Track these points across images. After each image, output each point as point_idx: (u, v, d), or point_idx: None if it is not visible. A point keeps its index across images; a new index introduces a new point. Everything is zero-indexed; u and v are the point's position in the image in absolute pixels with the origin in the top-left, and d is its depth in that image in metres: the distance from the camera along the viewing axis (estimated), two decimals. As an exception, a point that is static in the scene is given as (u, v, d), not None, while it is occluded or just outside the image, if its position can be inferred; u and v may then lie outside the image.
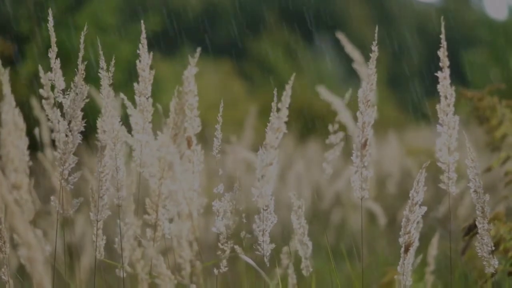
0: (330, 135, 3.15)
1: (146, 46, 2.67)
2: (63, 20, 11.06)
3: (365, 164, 2.60)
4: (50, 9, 2.67)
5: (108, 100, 2.60)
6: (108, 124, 2.60)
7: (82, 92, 2.58)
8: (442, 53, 2.62)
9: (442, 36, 2.61)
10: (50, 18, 2.63)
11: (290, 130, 2.68)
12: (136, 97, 2.67)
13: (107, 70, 2.60)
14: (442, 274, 3.98)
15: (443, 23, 2.64)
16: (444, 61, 2.63)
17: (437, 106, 2.62)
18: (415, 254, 2.82)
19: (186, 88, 2.80)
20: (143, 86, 2.67)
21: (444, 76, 2.62)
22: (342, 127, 4.37)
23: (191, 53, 2.87)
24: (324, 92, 4.29)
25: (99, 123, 2.62)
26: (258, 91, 16.60)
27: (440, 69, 2.62)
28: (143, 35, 2.66)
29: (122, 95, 2.78)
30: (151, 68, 2.69)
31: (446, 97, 2.63)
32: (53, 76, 2.61)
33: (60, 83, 2.61)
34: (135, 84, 2.66)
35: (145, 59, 2.68)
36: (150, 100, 2.67)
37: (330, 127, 3.16)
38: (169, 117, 2.82)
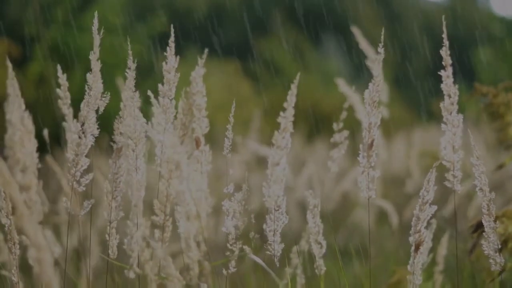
0: (334, 134, 3.16)
1: (173, 49, 2.68)
2: (69, 22, 11.08)
3: (372, 165, 2.61)
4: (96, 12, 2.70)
5: (133, 101, 2.62)
6: (131, 125, 2.61)
7: (96, 94, 2.60)
8: (445, 52, 2.63)
9: (444, 35, 2.62)
10: (95, 21, 2.64)
11: (298, 130, 2.69)
12: (160, 98, 2.68)
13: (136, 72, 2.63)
14: (450, 273, 3.98)
15: (444, 22, 2.65)
16: (447, 60, 2.64)
17: (441, 105, 2.63)
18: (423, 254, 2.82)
19: (193, 89, 2.81)
20: (168, 88, 2.69)
21: (447, 75, 2.63)
22: (357, 123, 4.36)
23: (198, 53, 2.87)
24: (342, 85, 4.28)
25: (115, 124, 2.63)
26: (265, 91, 16.60)
27: (443, 67, 2.63)
28: (172, 38, 2.67)
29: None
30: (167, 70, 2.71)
31: (449, 96, 2.64)
32: (91, 78, 2.62)
33: (99, 86, 2.62)
34: (159, 85, 2.68)
35: (171, 62, 2.69)
36: (173, 101, 2.69)
37: (334, 126, 3.18)
38: (177, 117, 2.82)
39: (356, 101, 4.29)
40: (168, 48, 2.68)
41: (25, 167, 3.15)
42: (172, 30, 2.69)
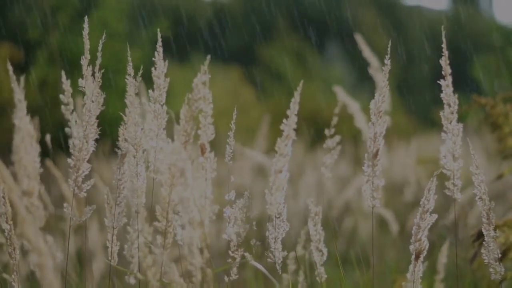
0: (326, 140, 3.17)
1: (161, 54, 2.68)
2: (72, 27, 11.10)
3: (376, 174, 2.61)
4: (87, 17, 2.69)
5: (132, 107, 2.62)
6: (131, 131, 2.61)
7: (98, 100, 2.60)
8: (444, 61, 2.63)
9: (444, 45, 2.62)
10: (92, 25, 2.64)
11: (299, 138, 2.69)
12: (151, 104, 2.68)
13: (134, 77, 2.63)
14: (451, 282, 3.98)
15: (444, 32, 2.65)
16: (446, 69, 2.63)
17: (441, 114, 2.63)
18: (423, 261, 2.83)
19: (195, 96, 2.81)
20: (158, 93, 2.69)
21: (446, 84, 2.63)
22: (357, 131, 4.36)
23: (201, 59, 2.87)
24: (340, 93, 4.27)
25: (120, 130, 2.63)
26: (268, 98, 16.61)
27: (443, 77, 2.63)
28: (159, 43, 2.67)
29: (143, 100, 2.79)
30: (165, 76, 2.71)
31: (449, 105, 2.64)
32: (83, 83, 2.62)
33: (91, 91, 2.62)
34: (150, 91, 2.68)
35: (160, 67, 2.69)
36: (165, 107, 2.68)
37: (326, 132, 3.19)
38: (179, 124, 2.82)
39: (355, 110, 4.29)
40: (156, 53, 2.68)
41: (29, 172, 3.16)
42: (159, 34, 2.68)
